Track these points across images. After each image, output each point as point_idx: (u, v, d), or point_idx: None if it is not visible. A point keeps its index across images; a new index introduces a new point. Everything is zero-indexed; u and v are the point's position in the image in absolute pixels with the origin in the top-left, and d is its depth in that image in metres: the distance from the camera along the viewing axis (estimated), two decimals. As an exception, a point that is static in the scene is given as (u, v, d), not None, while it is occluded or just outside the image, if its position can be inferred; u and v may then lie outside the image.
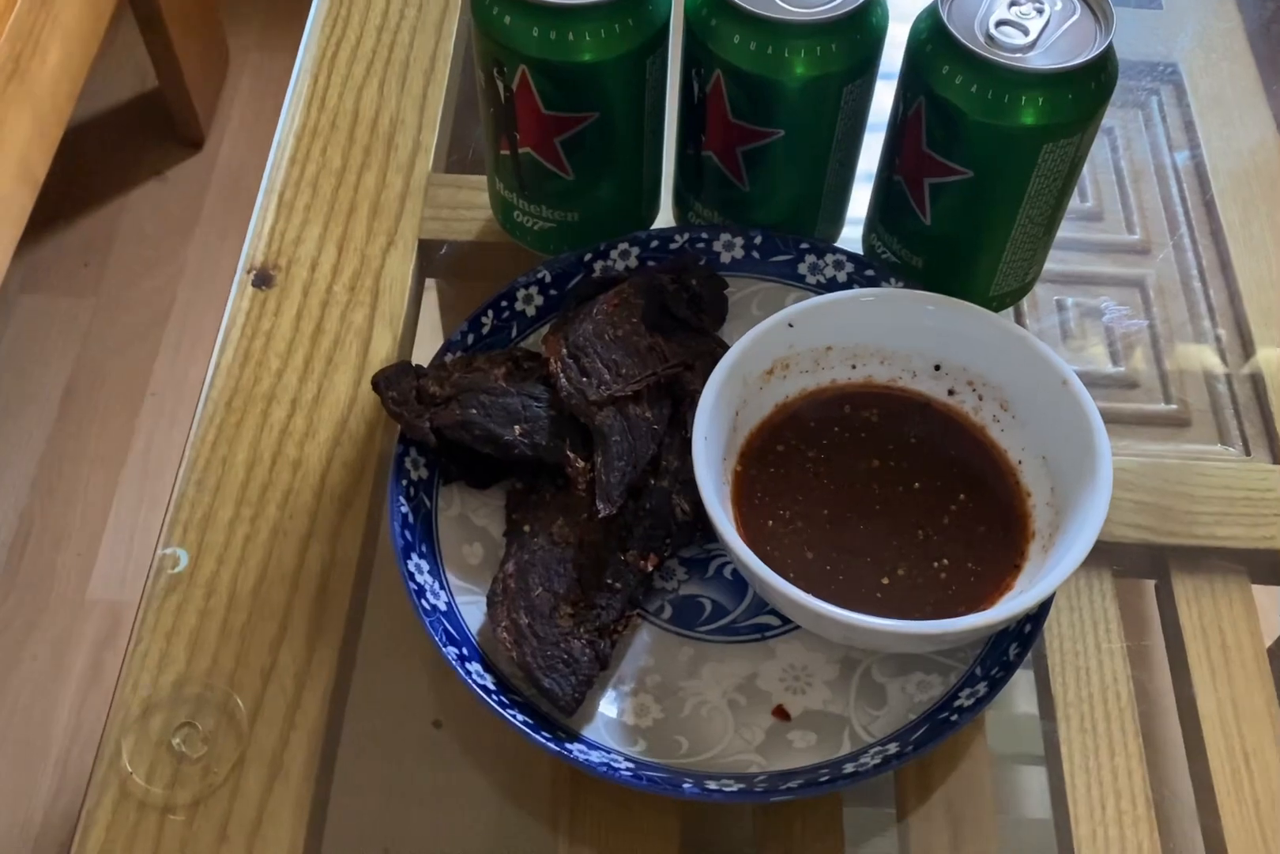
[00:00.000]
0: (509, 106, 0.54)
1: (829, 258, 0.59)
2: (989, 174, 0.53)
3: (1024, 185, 0.53)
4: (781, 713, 0.50)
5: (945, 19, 0.50)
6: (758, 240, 0.59)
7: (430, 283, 0.65)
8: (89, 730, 1.16)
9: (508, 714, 0.48)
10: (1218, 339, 0.63)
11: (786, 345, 0.53)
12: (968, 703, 0.49)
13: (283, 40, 1.64)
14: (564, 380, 0.53)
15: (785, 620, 0.52)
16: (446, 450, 0.53)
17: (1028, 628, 0.50)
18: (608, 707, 0.50)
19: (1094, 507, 0.47)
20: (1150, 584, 0.57)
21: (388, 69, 0.71)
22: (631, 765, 0.48)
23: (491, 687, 0.49)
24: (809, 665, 0.51)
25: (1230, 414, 0.61)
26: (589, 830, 0.49)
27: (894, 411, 0.55)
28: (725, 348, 0.54)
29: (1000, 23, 0.50)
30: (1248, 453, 0.60)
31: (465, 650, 0.50)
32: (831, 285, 0.58)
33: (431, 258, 0.65)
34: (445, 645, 0.49)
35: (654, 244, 0.59)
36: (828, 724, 0.50)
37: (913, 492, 0.53)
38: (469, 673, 0.48)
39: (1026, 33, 0.50)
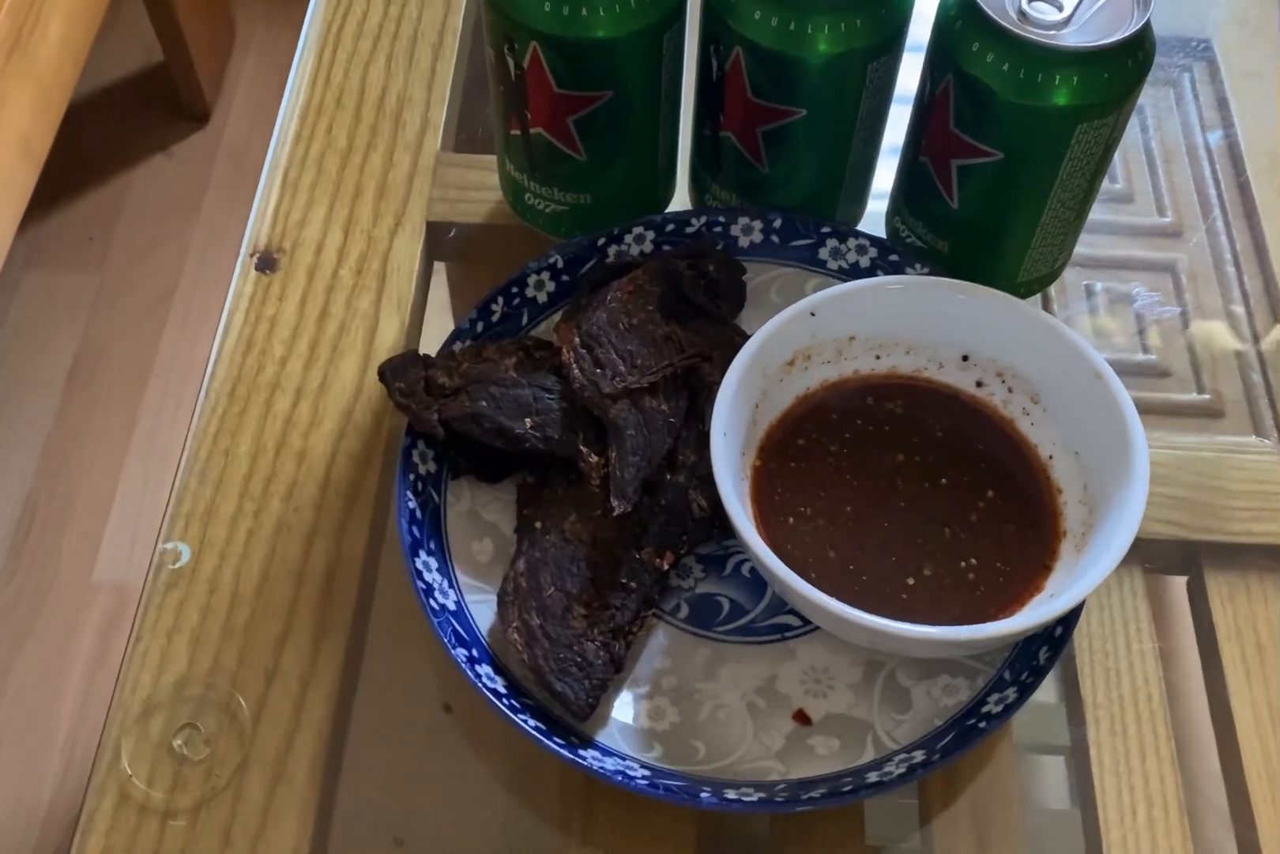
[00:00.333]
0: (520, 84, 0.53)
1: (851, 242, 0.57)
2: (1019, 156, 0.51)
3: (1056, 168, 0.51)
4: (802, 717, 0.49)
5: (976, -7, 0.48)
6: (777, 224, 0.57)
7: (439, 266, 0.63)
8: (95, 714, 1.16)
9: (519, 719, 0.46)
10: (1252, 326, 0.61)
11: (809, 335, 0.51)
12: (996, 709, 0.47)
13: (289, 14, 1.61)
14: (577, 371, 0.51)
15: (806, 620, 0.51)
16: (455, 443, 0.51)
17: (1059, 631, 0.48)
18: (622, 710, 0.49)
19: (1130, 506, 0.46)
20: (1182, 582, 0.55)
21: (395, 44, 0.69)
22: (647, 774, 0.46)
23: (502, 690, 0.47)
24: (831, 667, 0.50)
25: (1265, 404, 0.59)
26: (603, 835, 0.48)
27: (920, 404, 0.53)
28: (744, 337, 0.52)
29: (1033, -3, 0.48)
30: (1284, 445, 0.58)
31: (475, 652, 0.48)
32: (854, 271, 0.57)
33: (440, 241, 0.63)
34: (455, 647, 0.47)
35: (670, 228, 0.57)
36: (850, 729, 0.48)
37: (939, 488, 0.51)
38: (479, 676, 0.47)
39: (1061, 8, 0.48)
